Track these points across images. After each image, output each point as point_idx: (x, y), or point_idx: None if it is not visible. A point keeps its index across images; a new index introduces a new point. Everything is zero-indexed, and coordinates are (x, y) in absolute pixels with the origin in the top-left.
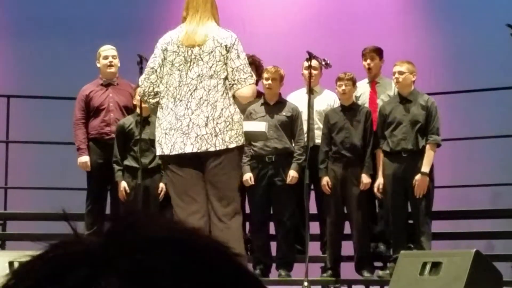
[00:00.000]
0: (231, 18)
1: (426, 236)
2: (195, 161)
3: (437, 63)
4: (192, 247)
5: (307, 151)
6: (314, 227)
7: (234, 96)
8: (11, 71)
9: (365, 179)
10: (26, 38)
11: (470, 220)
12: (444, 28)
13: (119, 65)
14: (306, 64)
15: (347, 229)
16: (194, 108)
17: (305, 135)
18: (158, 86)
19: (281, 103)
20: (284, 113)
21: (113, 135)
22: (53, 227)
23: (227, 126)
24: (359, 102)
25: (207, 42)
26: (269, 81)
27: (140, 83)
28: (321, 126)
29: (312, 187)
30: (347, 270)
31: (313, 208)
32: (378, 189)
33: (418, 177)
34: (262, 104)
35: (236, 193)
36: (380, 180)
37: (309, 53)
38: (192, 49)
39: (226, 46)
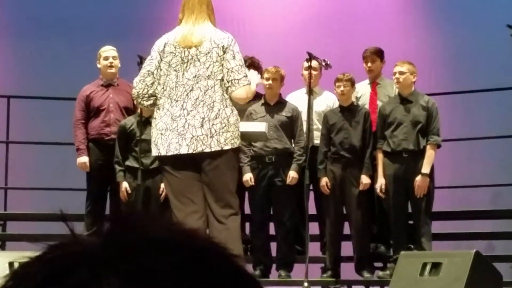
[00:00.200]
0: (232, 18)
1: (426, 237)
2: (191, 162)
3: (437, 64)
4: (191, 248)
5: (307, 151)
6: (314, 228)
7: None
8: (11, 72)
9: (365, 179)
10: (26, 38)
11: (470, 221)
12: (444, 28)
13: (119, 65)
14: (306, 64)
15: (347, 230)
16: (190, 108)
17: (305, 136)
18: (155, 88)
19: (281, 103)
20: (284, 114)
21: (113, 136)
22: (53, 227)
23: (223, 128)
24: (360, 103)
25: (204, 43)
26: (270, 81)
27: (134, 84)
28: (320, 127)
29: (311, 187)
30: (347, 271)
31: (312, 209)
32: (381, 189)
33: (418, 178)
34: (262, 105)
35: (233, 194)
36: (382, 180)
37: (309, 54)
38: (189, 49)
39: (223, 46)
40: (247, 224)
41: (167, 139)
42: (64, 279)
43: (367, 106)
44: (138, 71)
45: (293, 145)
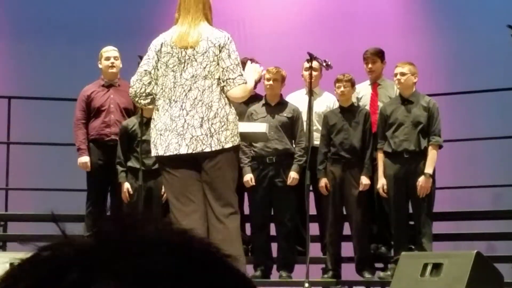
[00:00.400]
0: (232, 19)
1: (427, 237)
2: (191, 161)
3: (437, 64)
4: (185, 249)
5: (308, 152)
6: (315, 228)
7: None
8: (12, 72)
9: (365, 180)
10: (26, 39)
11: (471, 221)
12: (444, 29)
13: (121, 66)
14: (306, 65)
15: (347, 230)
16: (189, 109)
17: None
18: (152, 87)
19: (282, 104)
20: (285, 114)
21: (113, 137)
22: (53, 228)
23: (222, 126)
24: (361, 104)
25: (200, 43)
26: (270, 82)
27: (131, 83)
28: (320, 128)
29: (311, 188)
30: (348, 271)
31: (313, 209)
32: (383, 189)
33: (421, 178)
34: (263, 105)
35: (233, 193)
36: (383, 181)
37: (310, 54)
38: (185, 50)
39: (219, 45)
40: (248, 225)
41: (166, 139)
42: (56, 281)
43: (368, 107)
44: None
45: (294, 146)
